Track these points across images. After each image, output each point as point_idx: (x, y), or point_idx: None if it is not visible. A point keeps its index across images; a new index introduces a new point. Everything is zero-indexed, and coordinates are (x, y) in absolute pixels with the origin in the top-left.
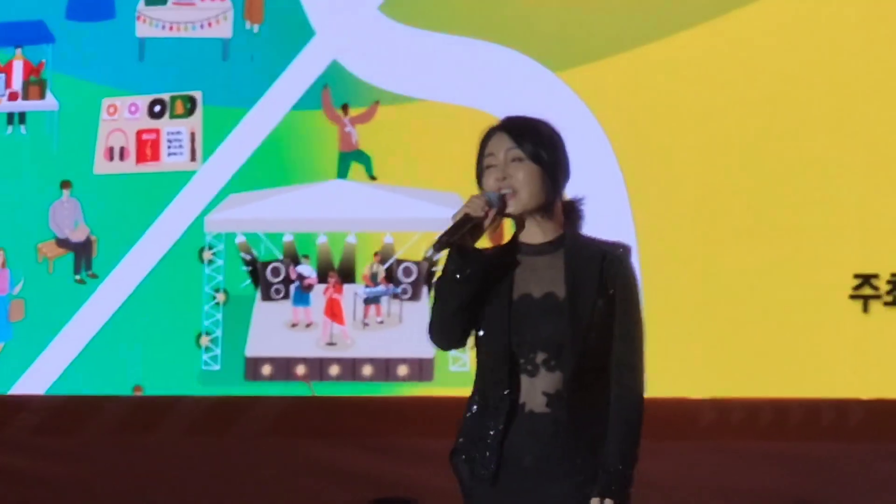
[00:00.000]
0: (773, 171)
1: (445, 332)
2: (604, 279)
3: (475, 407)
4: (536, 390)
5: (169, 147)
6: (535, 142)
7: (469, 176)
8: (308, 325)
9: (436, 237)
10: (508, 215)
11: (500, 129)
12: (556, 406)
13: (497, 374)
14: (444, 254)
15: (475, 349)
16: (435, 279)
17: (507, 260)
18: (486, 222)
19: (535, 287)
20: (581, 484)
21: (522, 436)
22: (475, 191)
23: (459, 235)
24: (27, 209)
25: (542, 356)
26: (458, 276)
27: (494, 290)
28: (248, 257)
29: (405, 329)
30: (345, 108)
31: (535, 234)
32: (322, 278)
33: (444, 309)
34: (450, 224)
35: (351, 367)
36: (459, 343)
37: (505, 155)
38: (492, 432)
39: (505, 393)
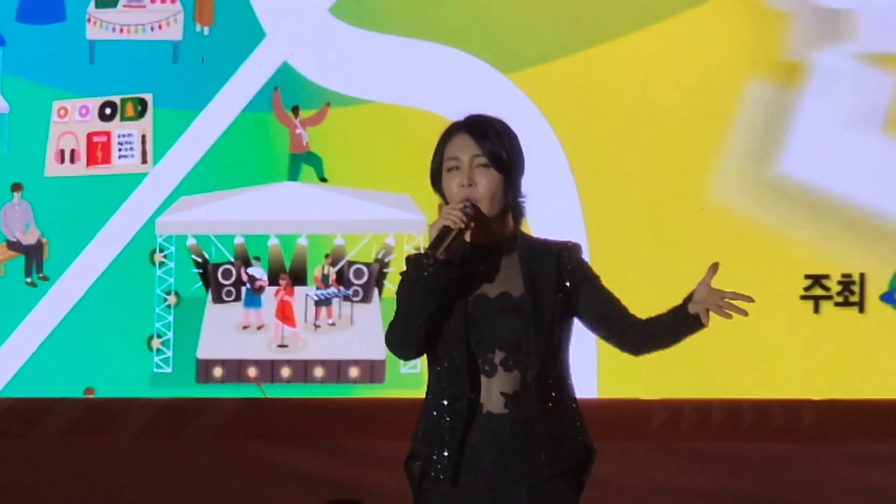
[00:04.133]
0: (723, 171)
1: (411, 343)
2: (561, 275)
3: (432, 409)
4: (494, 391)
5: (120, 149)
6: (499, 147)
7: (420, 177)
8: (259, 328)
9: (420, 248)
10: (481, 223)
11: (464, 131)
12: (513, 407)
13: (455, 375)
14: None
15: (427, 352)
16: (399, 290)
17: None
18: (466, 234)
19: (490, 287)
20: (537, 486)
21: (481, 437)
22: (426, 192)
23: (443, 249)
24: None
25: (500, 356)
26: (434, 285)
27: (450, 293)
28: (199, 259)
29: (357, 331)
30: (295, 110)
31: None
32: (273, 280)
33: (413, 320)
34: (432, 236)
35: (302, 369)
36: (420, 352)
37: (470, 160)
38: (450, 434)
39: (463, 394)
